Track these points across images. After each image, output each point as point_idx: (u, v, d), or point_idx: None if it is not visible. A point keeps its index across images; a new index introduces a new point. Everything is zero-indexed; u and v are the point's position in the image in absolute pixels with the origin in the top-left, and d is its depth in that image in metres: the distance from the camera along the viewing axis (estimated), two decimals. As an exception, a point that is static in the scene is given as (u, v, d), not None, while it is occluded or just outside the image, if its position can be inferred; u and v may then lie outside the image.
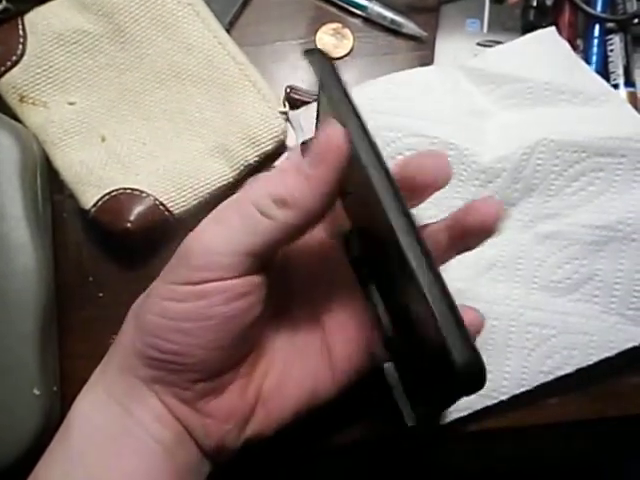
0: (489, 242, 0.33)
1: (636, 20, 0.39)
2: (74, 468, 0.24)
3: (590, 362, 0.34)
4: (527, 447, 0.39)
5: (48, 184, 0.38)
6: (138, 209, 0.35)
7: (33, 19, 0.38)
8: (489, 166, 0.34)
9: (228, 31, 0.40)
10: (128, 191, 0.35)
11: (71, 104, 0.38)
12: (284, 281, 0.28)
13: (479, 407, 0.34)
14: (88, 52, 0.38)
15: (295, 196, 0.23)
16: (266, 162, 0.38)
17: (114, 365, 0.26)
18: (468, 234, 0.26)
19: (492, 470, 0.42)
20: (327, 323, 0.28)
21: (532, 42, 0.37)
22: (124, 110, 0.38)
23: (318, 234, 0.28)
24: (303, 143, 0.26)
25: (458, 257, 0.27)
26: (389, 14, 0.41)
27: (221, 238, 0.24)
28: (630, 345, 0.34)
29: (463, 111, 0.35)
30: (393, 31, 0.41)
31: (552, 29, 0.38)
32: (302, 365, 0.27)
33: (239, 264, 0.23)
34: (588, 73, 0.36)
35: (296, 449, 0.33)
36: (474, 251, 0.27)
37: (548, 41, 0.37)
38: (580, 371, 0.34)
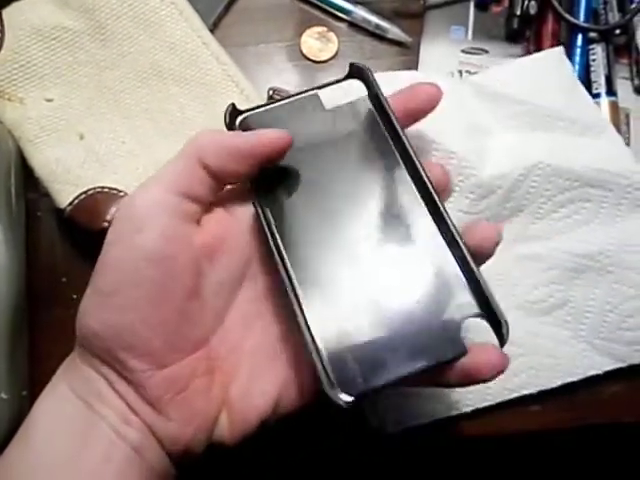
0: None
1: (618, 31, 0.39)
2: (35, 468, 0.23)
3: (553, 385, 0.34)
4: (508, 453, 0.39)
5: (22, 182, 0.37)
6: (115, 208, 0.34)
7: (11, 13, 0.37)
8: (487, 182, 0.35)
9: (212, 31, 0.39)
10: (106, 190, 0.34)
11: (49, 101, 0.37)
12: (256, 286, 0.28)
13: (441, 416, 0.34)
14: (67, 48, 0.37)
15: (211, 134, 0.26)
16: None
17: (74, 359, 0.25)
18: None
19: (472, 476, 0.41)
20: None
21: (538, 62, 0.38)
22: (103, 108, 0.37)
23: None
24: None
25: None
26: (374, 19, 0.41)
27: (142, 186, 0.25)
28: (593, 373, 0.34)
29: (466, 124, 0.35)
30: (378, 36, 0.41)
31: (560, 49, 0.38)
32: (269, 371, 0.26)
33: (159, 203, 0.24)
34: (587, 101, 0.37)
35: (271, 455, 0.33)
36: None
37: (554, 62, 0.38)
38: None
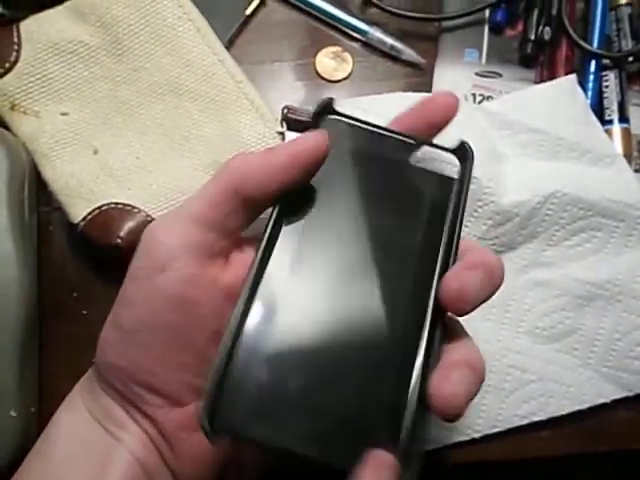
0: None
1: (631, 58, 0.40)
2: None
3: (563, 412, 0.34)
4: (516, 479, 0.39)
5: (35, 195, 0.37)
6: (129, 225, 0.34)
7: (29, 27, 0.37)
8: (506, 209, 0.35)
9: (228, 48, 0.39)
10: (119, 206, 0.34)
11: (64, 114, 0.37)
12: None
13: (450, 442, 0.34)
14: (84, 63, 0.37)
15: (247, 159, 0.23)
16: (261, 182, 0.38)
17: (91, 383, 0.25)
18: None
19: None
20: None
21: (551, 90, 0.38)
22: (118, 123, 0.37)
23: None
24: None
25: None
26: (389, 40, 0.41)
27: (169, 214, 0.24)
28: (601, 401, 0.35)
29: (483, 150, 0.36)
30: (392, 57, 0.41)
31: (572, 77, 0.38)
32: None
33: (184, 234, 0.23)
34: (599, 131, 0.38)
35: None
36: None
37: (567, 91, 0.38)
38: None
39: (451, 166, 0.26)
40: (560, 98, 0.38)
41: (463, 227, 0.33)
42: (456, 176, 0.26)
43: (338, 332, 0.22)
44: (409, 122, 0.27)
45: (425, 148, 0.26)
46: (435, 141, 0.26)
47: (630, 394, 0.35)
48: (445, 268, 0.23)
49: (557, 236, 0.36)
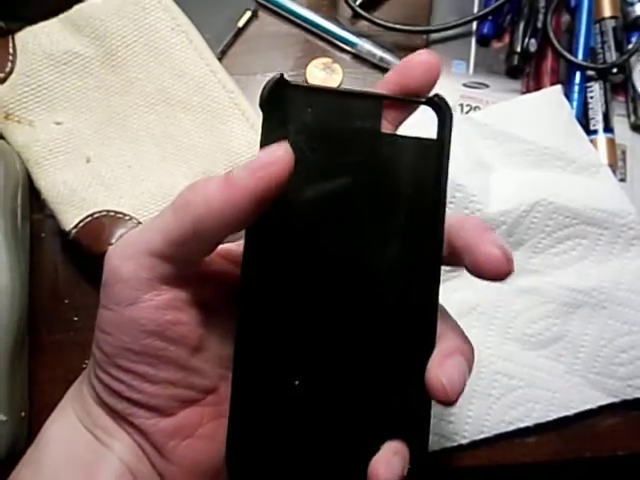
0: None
1: (615, 70, 0.40)
2: None
3: (549, 418, 0.35)
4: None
5: (28, 203, 0.37)
6: (120, 232, 0.34)
7: (24, 38, 0.38)
8: (492, 217, 0.36)
9: (220, 59, 0.40)
10: (111, 213, 0.35)
11: (57, 124, 0.37)
12: None
13: (438, 448, 0.34)
14: (78, 74, 0.38)
15: (205, 192, 0.21)
16: (252, 190, 0.38)
17: (81, 392, 0.25)
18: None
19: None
20: None
21: (537, 101, 0.39)
22: (111, 132, 0.38)
23: None
24: None
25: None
26: (378, 52, 0.42)
27: (128, 243, 0.22)
28: (587, 407, 0.35)
29: (470, 159, 0.36)
30: (381, 68, 0.42)
31: (558, 88, 0.39)
32: None
33: (146, 270, 0.22)
34: (583, 141, 0.38)
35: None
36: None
37: (552, 101, 0.39)
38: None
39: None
40: (546, 108, 0.38)
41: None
42: (435, 135, 0.23)
43: (336, 337, 0.22)
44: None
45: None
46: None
47: (616, 400, 0.35)
48: (436, 241, 0.22)
49: (543, 244, 0.36)
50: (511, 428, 0.34)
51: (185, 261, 0.23)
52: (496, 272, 0.22)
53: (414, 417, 0.22)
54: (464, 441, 0.34)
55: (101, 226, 0.34)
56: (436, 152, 0.22)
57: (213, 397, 0.25)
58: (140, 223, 0.35)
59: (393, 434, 0.22)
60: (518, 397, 0.35)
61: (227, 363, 0.26)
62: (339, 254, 0.22)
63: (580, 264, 0.37)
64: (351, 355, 0.22)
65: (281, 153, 0.20)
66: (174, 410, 0.24)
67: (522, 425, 0.34)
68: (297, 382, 0.22)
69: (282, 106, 0.22)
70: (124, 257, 0.22)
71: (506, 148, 0.37)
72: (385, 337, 0.22)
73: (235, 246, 0.26)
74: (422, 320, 0.22)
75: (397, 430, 0.22)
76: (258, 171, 0.20)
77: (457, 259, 0.23)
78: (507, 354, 0.35)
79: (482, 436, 0.34)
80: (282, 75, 0.22)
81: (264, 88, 0.22)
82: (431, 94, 0.24)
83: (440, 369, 0.22)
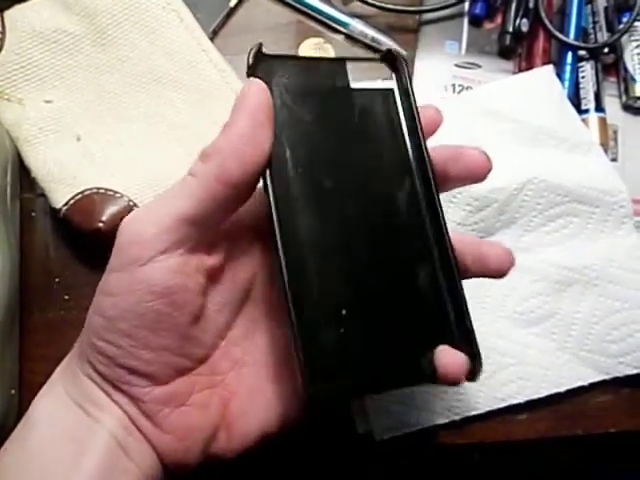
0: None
1: (606, 50, 0.41)
2: (32, 472, 0.23)
3: (540, 395, 0.35)
4: (496, 462, 0.39)
5: (18, 182, 0.37)
6: (111, 209, 0.34)
7: (13, 16, 0.37)
8: (484, 195, 0.35)
9: (212, 39, 0.40)
10: (102, 191, 0.34)
11: (47, 102, 0.37)
12: (260, 301, 0.27)
13: (429, 425, 0.34)
14: (68, 52, 0.38)
15: (215, 147, 0.23)
16: (244, 169, 0.38)
17: (72, 365, 0.25)
18: (450, 180, 0.27)
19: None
20: None
21: (529, 80, 0.39)
22: (102, 111, 0.38)
23: None
24: None
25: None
26: (370, 32, 0.41)
27: (150, 210, 0.23)
28: (579, 384, 0.35)
29: (462, 138, 0.36)
30: (374, 49, 0.42)
31: (549, 68, 0.39)
32: (273, 389, 0.26)
33: (168, 232, 0.22)
34: (575, 120, 0.38)
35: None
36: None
37: (544, 81, 0.39)
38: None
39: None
40: (537, 88, 0.38)
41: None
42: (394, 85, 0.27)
43: (368, 284, 0.25)
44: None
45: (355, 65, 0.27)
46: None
47: (607, 377, 0.35)
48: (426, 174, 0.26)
49: (534, 222, 0.36)
50: (503, 405, 0.34)
51: (207, 223, 0.23)
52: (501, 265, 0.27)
53: (460, 324, 0.25)
54: (456, 417, 0.34)
55: (92, 203, 0.34)
56: (402, 96, 0.27)
57: (205, 366, 0.25)
58: (131, 200, 0.34)
59: (444, 340, 0.25)
60: (510, 374, 0.35)
61: (222, 333, 0.26)
62: (347, 192, 0.25)
63: (571, 242, 0.37)
64: (386, 278, 0.25)
65: (258, 86, 0.23)
66: (168, 378, 0.24)
67: (514, 402, 0.34)
68: (344, 312, 0.24)
69: (267, 73, 0.25)
70: (145, 221, 0.23)
71: (499, 127, 0.37)
72: (410, 258, 0.25)
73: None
74: (438, 241, 0.26)
75: (450, 340, 0.25)
76: (247, 104, 0.23)
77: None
78: (499, 331, 0.35)
79: (474, 412, 0.34)
80: (260, 45, 0.25)
81: (247, 57, 0.25)
82: (385, 53, 0.28)
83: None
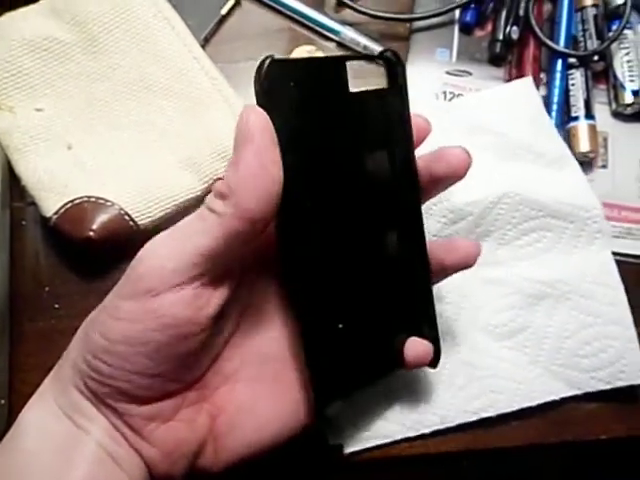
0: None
1: (596, 57, 0.41)
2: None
3: (513, 409, 0.35)
4: (486, 469, 0.39)
5: (8, 190, 0.37)
6: (102, 218, 0.34)
7: (3, 23, 0.37)
8: (459, 207, 0.35)
9: (203, 47, 0.40)
10: (92, 199, 0.34)
11: (38, 110, 0.37)
12: (253, 307, 0.27)
13: (400, 437, 0.34)
14: (59, 60, 0.38)
15: (229, 186, 0.22)
16: (235, 177, 0.38)
17: (61, 375, 0.25)
18: (437, 181, 0.28)
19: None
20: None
21: (507, 92, 0.39)
22: (93, 119, 0.37)
23: None
24: None
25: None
26: (362, 40, 0.42)
27: (169, 243, 0.23)
28: (550, 398, 0.35)
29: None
30: (365, 56, 0.42)
31: (529, 79, 0.39)
32: (262, 408, 0.26)
33: (186, 269, 0.22)
34: (552, 133, 0.38)
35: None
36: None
37: (522, 93, 0.39)
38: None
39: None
40: (515, 100, 0.38)
41: None
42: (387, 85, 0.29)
43: (361, 271, 0.27)
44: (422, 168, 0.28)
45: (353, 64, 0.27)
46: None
47: (579, 392, 0.35)
48: (409, 176, 0.28)
49: (509, 235, 0.36)
50: (474, 418, 0.34)
51: (227, 261, 0.23)
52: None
53: (427, 318, 0.30)
54: (427, 430, 0.34)
55: (82, 212, 0.34)
56: (397, 96, 0.28)
57: (196, 384, 0.25)
58: (122, 209, 0.34)
59: (415, 332, 0.29)
60: (482, 387, 0.35)
61: (217, 355, 0.26)
62: (347, 190, 0.26)
63: (545, 256, 0.37)
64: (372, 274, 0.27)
65: (259, 115, 0.23)
66: (155, 400, 0.24)
67: (485, 415, 0.34)
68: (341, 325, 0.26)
69: (273, 80, 0.24)
70: (164, 256, 0.23)
71: (476, 139, 0.37)
72: (392, 258, 0.28)
73: None
74: (414, 238, 0.29)
75: (417, 329, 0.29)
76: (250, 135, 0.22)
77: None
78: (472, 344, 0.35)
79: (445, 425, 0.34)
80: (273, 57, 0.24)
81: (260, 68, 0.24)
82: (383, 52, 0.29)
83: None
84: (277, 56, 0.24)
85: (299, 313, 0.25)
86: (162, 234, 0.24)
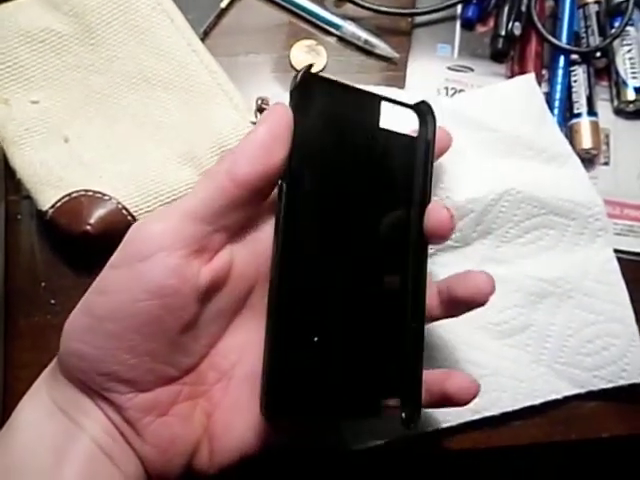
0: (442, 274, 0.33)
1: (598, 54, 0.41)
2: (13, 475, 0.22)
3: (515, 407, 0.34)
4: (489, 468, 0.39)
5: (3, 184, 0.36)
6: (99, 212, 0.33)
7: (-1, 14, 0.37)
8: (461, 205, 0.35)
9: (202, 40, 0.39)
10: (90, 193, 0.34)
11: (34, 103, 0.36)
12: (254, 313, 0.27)
13: (398, 436, 0.33)
14: (55, 51, 0.37)
15: (231, 150, 0.24)
16: (235, 172, 0.38)
17: (57, 370, 0.25)
18: (457, 304, 0.27)
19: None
20: None
21: (509, 89, 0.38)
22: (90, 112, 0.37)
23: None
24: None
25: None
26: (363, 34, 0.41)
27: (161, 209, 0.25)
28: (553, 397, 0.35)
29: None
30: (366, 51, 0.42)
31: (530, 76, 0.39)
32: (258, 406, 0.25)
33: (173, 229, 0.23)
34: (554, 130, 0.38)
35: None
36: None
37: (524, 89, 0.38)
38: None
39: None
40: (518, 97, 0.38)
41: None
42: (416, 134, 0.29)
43: (351, 297, 0.26)
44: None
45: (387, 105, 0.28)
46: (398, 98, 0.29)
47: (582, 391, 0.35)
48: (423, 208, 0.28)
49: (511, 233, 0.36)
50: (477, 417, 0.34)
51: (214, 223, 0.23)
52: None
53: (409, 378, 0.27)
54: (429, 429, 0.34)
55: (79, 205, 0.33)
56: (422, 146, 0.29)
57: (191, 376, 0.25)
58: (120, 203, 0.34)
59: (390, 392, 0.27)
60: (484, 386, 0.34)
61: (212, 342, 0.26)
62: (351, 223, 0.26)
63: (547, 254, 0.36)
64: (358, 317, 0.26)
65: (284, 110, 0.24)
66: (150, 385, 0.24)
67: (488, 414, 0.34)
68: (316, 339, 0.25)
69: (307, 93, 0.25)
70: (152, 218, 0.23)
71: (478, 136, 0.37)
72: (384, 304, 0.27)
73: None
74: (415, 288, 0.27)
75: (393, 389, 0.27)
76: (271, 121, 0.24)
77: None
78: (474, 343, 0.35)
79: (446, 425, 0.34)
80: (310, 67, 0.25)
81: (296, 76, 0.25)
82: (417, 101, 0.30)
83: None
84: (315, 71, 0.25)
85: (271, 312, 0.24)
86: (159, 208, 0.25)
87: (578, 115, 0.39)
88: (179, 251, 0.23)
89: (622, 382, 0.35)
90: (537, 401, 0.34)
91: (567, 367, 0.35)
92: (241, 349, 0.26)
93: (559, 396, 0.35)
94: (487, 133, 0.37)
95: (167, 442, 0.24)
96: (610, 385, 0.35)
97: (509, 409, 0.34)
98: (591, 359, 0.35)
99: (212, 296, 0.25)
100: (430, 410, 0.33)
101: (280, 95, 0.40)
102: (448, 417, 0.34)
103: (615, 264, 0.36)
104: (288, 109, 0.24)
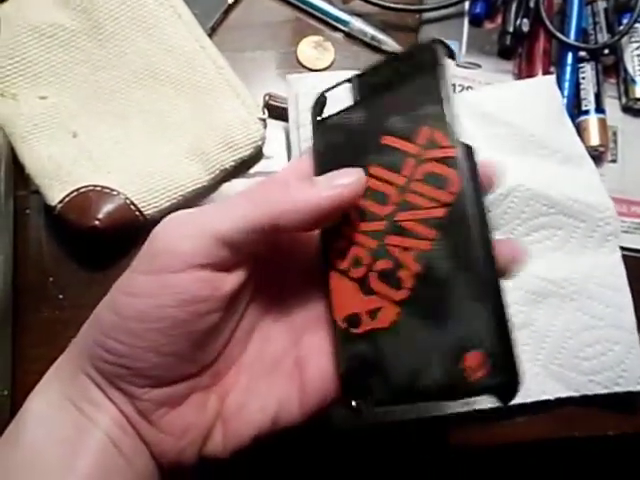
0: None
1: (607, 51, 0.40)
2: (24, 470, 0.22)
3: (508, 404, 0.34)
4: (493, 464, 0.39)
5: (12, 179, 0.36)
6: (108, 207, 0.33)
7: (8, 10, 0.37)
8: None
9: (210, 36, 0.39)
10: (98, 188, 0.34)
11: (42, 98, 0.36)
12: (260, 291, 0.27)
13: (393, 419, 0.33)
14: (64, 47, 0.37)
15: (292, 193, 0.23)
16: (242, 167, 0.38)
17: (69, 363, 0.25)
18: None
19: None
20: (303, 340, 0.26)
21: (529, 87, 0.38)
22: (98, 108, 0.37)
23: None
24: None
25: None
26: (370, 30, 0.41)
27: (188, 223, 0.23)
28: (544, 398, 0.34)
29: None
30: (373, 47, 0.42)
31: (552, 77, 0.39)
32: (268, 386, 0.26)
33: (203, 252, 0.22)
34: (570, 132, 0.38)
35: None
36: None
37: (544, 89, 0.38)
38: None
39: None
40: (537, 96, 0.38)
41: None
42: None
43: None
44: None
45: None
46: None
47: (576, 394, 0.34)
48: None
49: (518, 230, 0.36)
50: (466, 409, 0.33)
51: (244, 251, 0.23)
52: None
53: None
54: (426, 415, 0.33)
55: (88, 201, 0.33)
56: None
57: (208, 370, 0.25)
58: (128, 198, 0.34)
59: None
60: None
61: (229, 338, 0.26)
62: None
63: (553, 254, 0.36)
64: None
65: (360, 177, 0.24)
66: (169, 382, 0.24)
67: (479, 407, 0.34)
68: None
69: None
70: (182, 234, 0.23)
71: (492, 131, 0.37)
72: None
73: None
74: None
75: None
76: (338, 189, 0.23)
77: None
78: None
79: (441, 412, 0.33)
80: (323, 93, 0.26)
81: (316, 102, 0.26)
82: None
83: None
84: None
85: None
86: (182, 212, 0.24)
87: (586, 112, 0.39)
88: (207, 268, 0.23)
89: (617, 389, 0.34)
90: (528, 400, 0.34)
91: (563, 369, 0.35)
92: (249, 335, 0.27)
93: (551, 397, 0.34)
94: (502, 128, 0.37)
95: (180, 431, 0.24)
96: (605, 391, 0.34)
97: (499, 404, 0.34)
98: (588, 363, 0.35)
99: (236, 302, 0.25)
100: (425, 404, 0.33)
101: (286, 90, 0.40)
102: (443, 407, 0.33)
103: (622, 270, 0.36)
104: (362, 181, 0.24)
